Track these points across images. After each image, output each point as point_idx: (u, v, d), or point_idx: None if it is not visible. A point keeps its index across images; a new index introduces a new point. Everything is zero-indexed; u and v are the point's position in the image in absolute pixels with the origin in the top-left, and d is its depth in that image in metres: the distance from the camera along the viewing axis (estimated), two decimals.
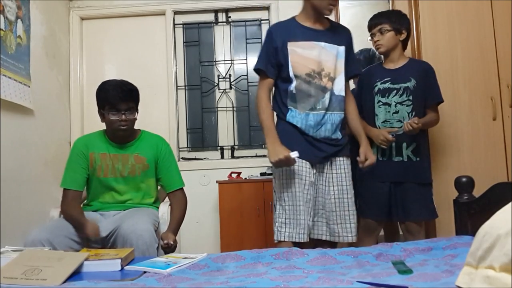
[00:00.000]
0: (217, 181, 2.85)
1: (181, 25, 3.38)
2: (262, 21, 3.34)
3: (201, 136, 3.34)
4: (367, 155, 1.93)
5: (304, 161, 1.86)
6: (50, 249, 1.69)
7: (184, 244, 3.05)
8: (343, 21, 2.72)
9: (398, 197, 2.14)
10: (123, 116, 1.95)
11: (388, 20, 2.17)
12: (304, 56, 1.89)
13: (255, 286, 1.16)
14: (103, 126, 2.05)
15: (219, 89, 3.35)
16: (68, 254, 1.53)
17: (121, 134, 2.02)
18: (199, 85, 3.36)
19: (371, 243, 2.11)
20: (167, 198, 2.27)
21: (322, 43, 1.90)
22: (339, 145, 1.93)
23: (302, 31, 1.92)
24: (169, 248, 1.85)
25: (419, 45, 2.63)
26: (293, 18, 2.00)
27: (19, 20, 2.39)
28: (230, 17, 3.38)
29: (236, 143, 3.32)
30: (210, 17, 3.40)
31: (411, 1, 2.65)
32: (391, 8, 2.70)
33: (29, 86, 2.49)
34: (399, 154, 2.14)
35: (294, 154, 1.76)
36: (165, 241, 1.85)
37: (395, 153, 2.14)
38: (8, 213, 2.20)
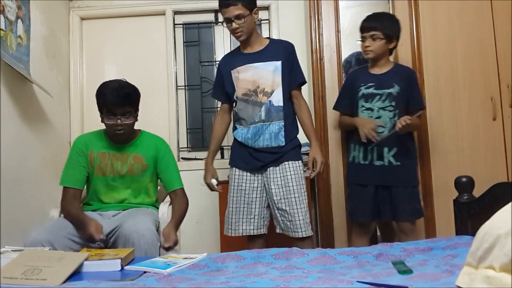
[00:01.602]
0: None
1: (181, 25, 3.38)
2: (262, 21, 3.34)
3: (201, 136, 3.34)
4: (315, 157, 2.10)
5: (243, 171, 2.15)
6: (50, 249, 1.69)
7: (184, 244, 3.04)
8: (343, 21, 2.72)
9: (385, 198, 2.19)
10: (119, 121, 1.94)
11: (381, 27, 2.19)
12: (242, 79, 2.14)
13: (255, 286, 1.16)
14: (103, 126, 2.05)
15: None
16: (68, 254, 1.53)
17: (118, 138, 2.02)
18: (199, 85, 3.36)
19: (363, 244, 2.18)
20: (167, 198, 2.28)
21: (256, 64, 2.13)
22: (281, 152, 2.11)
23: (240, 57, 2.19)
24: (170, 248, 1.86)
25: (419, 45, 2.63)
26: (237, 48, 2.28)
27: (19, 20, 2.39)
28: None
29: None
30: (210, 17, 3.39)
31: (411, 1, 2.65)
32: (391, 8, 2.69)
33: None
34: (380, 158, 2.19)
35: (214, 182, 2.19)
36: (166, 245, 1.85)
37: (376, 157, 2.19)
38: (8, 213, 2.20)
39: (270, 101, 2.11)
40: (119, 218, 1.99)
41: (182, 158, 3.28)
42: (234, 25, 2.08)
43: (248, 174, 2.15)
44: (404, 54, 2.64)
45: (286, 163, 2.11)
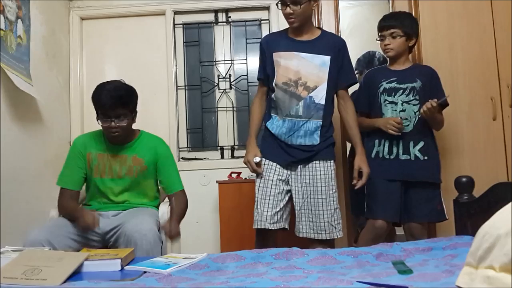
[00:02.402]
0: (217, 181, 2.85)
1: (181, 25, 3.38)
2: (262, 21, 3.34)
3: (201, 136, 3.34)
4: (361, 167, 2.03)
5: (272, 162, 2.06)
6: (50, 249, 1.69)
7: (184, 244, 3.04)
8: (343, 21, 2.72)
9: (407, 196, 2.12)
10: (112, 124, 1.93)
11: (401, 25, 2.16)
12: (284, 66, 2.02)
13: (255, 286, 1.16)
14: None
15: (219, 89, 3.35)
16: (68, 254, 1.53)
17: (115, 139, 2.02)
18: (199, 85, 3.36)
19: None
20: (167, 198, 2.27)
21: (302, 54, 2.01)
22: (313, 151, 2.03)
23: (286, 42, 2.06)
24: (172, 234, 1.88)
25: (419, 45, 2.62)
26: (284, 30, 2.13)
27: (19, 20, 2.39)
28: (230, 17, 3.38)
29: (236, 143, 3.32)
30: (210, 17, 3.40)
31: (411, 1, 2.65)
32: (391, 8, 2.69)
33: (32, 85, 2.49)
34: (407, 152, 2.12)
35: (257, 159, 2.06)
36: (167, 227, 1.89)
37: (402, 152, 2.13)
38: (8, 213, 2.20)
39: (310, 97, 2.00)
40: (119, 217, 1.99)
41: (182, 158, 3.28)
42: (288, 10, 1.94)
43: (277, 166, 2.06)
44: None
45: (317, 162, 2.03)
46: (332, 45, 2.05)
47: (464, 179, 1.72)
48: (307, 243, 2.03)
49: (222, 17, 3.39)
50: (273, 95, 2.07)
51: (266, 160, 2.08)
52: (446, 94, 2.16)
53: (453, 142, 2.57)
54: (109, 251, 1.62)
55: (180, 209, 2.05)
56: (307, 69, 2.00)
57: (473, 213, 1.62)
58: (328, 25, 2.70)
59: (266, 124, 2.12)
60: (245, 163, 2.10)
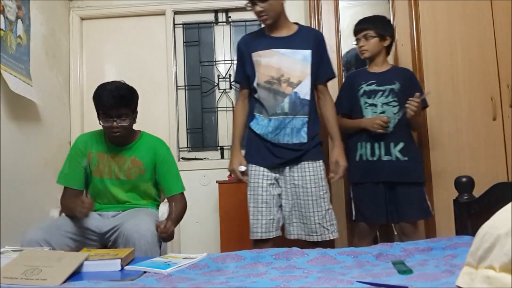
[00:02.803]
0: (217, 181, 2.85)
1: (181, 25, 3.38)
2: None
3: (201, 136, 3.34)
4: (338, 160, 2.01)
5: (260, 167, 2.01)
6: (50, 249, 1.69)
7: (184, 244, 3.04)
8: (342, 21, 2.72)
9: (392, 197, 2.16)
10: (114, 123, 1.93)
11: (373, 26, 2.22)
12: (265, 64, 1.98)
13: (255, 286, 1.16)
14: None
15: (219, 89, 3.35)
16: (68, 254, 1.53)
17: (116, 139, 2.02)
18: (199, 85, 3.36)
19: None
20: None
21: (282, 50, 1.97)
22: (302, 150, 1.98)
23: (264, 40, 2.02)
24: (165, 233, 1.85)
25: (419, 45, 2.63)
26: (262, 29, 2.10)
27: (19, 20, 2.39)
28: (230, 17, 3.38)
29: None
30: (210, 17, 3.40)
31: (411, 1, 2.65)
32: (391, 8, 2.69)
33: (31, 86, 2.49)
34: (388, 153, 2.17)
35: (241, 168, 2.01)
36: (162, 226, 1.83)
37: (383, 153, 2.17)
38: (8, 213, 2.20)
39: (295, 92, 1.96)
40: (119, 217, 1.99)
41: (182, 158, 3.28)
42: (257, 8, 1.93)
43: (265, 170, 2.00)
44: (404, 54, 2.64)
45: (306, 163, 1.99)
46: (312, 39, 2.02)
47: (464, 179, 1.72)
48: (303, 245, 1.97)
49: (222, 17, 3.39)
50: (256, 96, 2.03)
51: (253, 165, 2.02)
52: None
53: (453, 142, 2.57)
54: (109, 251, 1.62)
55: (176, 213, 2.03)
56: (289, 65, 1.97)
57: (473, 213, 1.62)
58: (328, 25, 2.70)
59: (250, 125, 2.07)
60: (230, 171, 2.07)
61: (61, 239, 1.83)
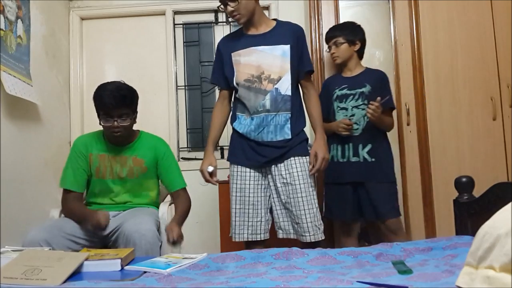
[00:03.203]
0: (217, 181, 2.84)
1: (181, 25, 3.38)
2: None
3: (201, 136, 3.34)
4: (317, 152, 1.94)
5: (246, 168, 1.98)
6: (50, 249, 1.69)
7: (184, 244, 3.04)
8: (342, 21, 2.72)
9: (365, 197, 2.22)
10: (115, 123, 1.93)
11: (341, 33, 2.31)
12: (244, 63, 1.97)
13: (255, 286, 1.16)
14: None
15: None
16: (68, 254, 1.53)
17: (117, 140, 2.02)
18: (199, 85, 3.36)
19: (352, 243, 2.24)
20: (167, 198, 2.27)
21: (260, 47, 1.95)
22: (286, 146, 1.95)
23: (243, 39, 2.01)
24: (175, 243, 1.87)
25: (419, 45, 2.63)
26: (240, 29, 2.09)
27: (19, 20, 2.39)
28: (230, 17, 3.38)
29: None
30: (210, 17, 3.40)
31: (411, 1, 2.65)
32: (391, 8, 2.69)
33: (31, 86, 2.49)
34: (356, 155, 2.24)
35: (209, 169, 2.00)
36: (171, 239, 1.86)
37: (352, 154, 2.24)
38: (8, 213, 2.20)
39: (276, 89, 1.93)
40: (120, 217, 1.99)
41: (182, 158, 3.28)
42: (229, 8, 1.93)
43: (251, 170, 1.98)
44: (404, 54, 2.65)
45: (292, 158, 1.94)
46: (291, 33, 1.98)
47: (464, 179, 1.72)
48: (294, 244, 1.90)
49: (222, 17, 3.39)
50: (237, 95, 2.01)
51: (238, 166, 2.00)
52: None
53: (453, 142, 2.57)
54: (109, 251, 1.62)
55: (183, 209, 2.06)
56: (268, 62, 1.94)
57: (473, 213, 1.62)
58: (328, 25, 2.69)
59: (233, 125, 2.05)
60: (200, 172, 2.03)
61: (62, 241, 1.83)
